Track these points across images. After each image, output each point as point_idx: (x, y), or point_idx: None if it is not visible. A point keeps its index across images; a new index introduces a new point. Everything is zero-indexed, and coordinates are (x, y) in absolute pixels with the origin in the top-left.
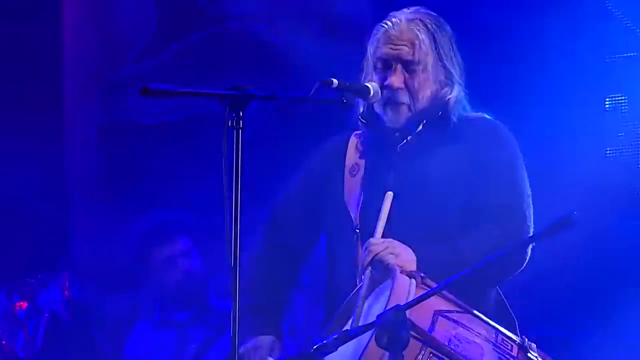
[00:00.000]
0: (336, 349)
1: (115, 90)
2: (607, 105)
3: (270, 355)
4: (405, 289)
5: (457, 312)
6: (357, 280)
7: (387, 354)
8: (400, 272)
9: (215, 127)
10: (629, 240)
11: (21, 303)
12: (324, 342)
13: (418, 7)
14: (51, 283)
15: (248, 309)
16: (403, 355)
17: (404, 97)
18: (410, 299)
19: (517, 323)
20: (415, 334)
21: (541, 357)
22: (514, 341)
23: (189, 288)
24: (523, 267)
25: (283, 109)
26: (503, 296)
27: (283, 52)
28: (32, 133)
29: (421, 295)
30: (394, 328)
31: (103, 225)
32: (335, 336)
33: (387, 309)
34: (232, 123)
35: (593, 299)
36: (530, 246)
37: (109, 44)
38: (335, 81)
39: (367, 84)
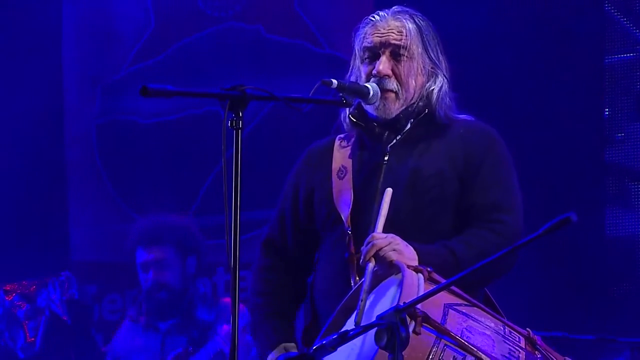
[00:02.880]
0: (336, 350)
1: (114, 90)
2: (606, 106)
3: None
4: (415, 284)
5: (466, 305)
6: (351, 280)
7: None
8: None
9: (214, 127)
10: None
11: (21, 303)
12: (323, 342)
13: (404, 6)
14: (50, 284)
15: (259, 322)
16: (403, 356)
17: (392, 84)
18: (421, 293)
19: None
20: (429, 326)
21: (544, 350)
22: (520, 333)
23: (162, 297)
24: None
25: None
26: (490, 294)
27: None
28: (32, 134)
29: (424, 294)
30: (393, 328)
31: (102, 225)
32: (335, 336)
33: (389, 307)
34: (231, 123)
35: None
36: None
37: (108, 45)
38: (334, 81)
39: (366, 84)
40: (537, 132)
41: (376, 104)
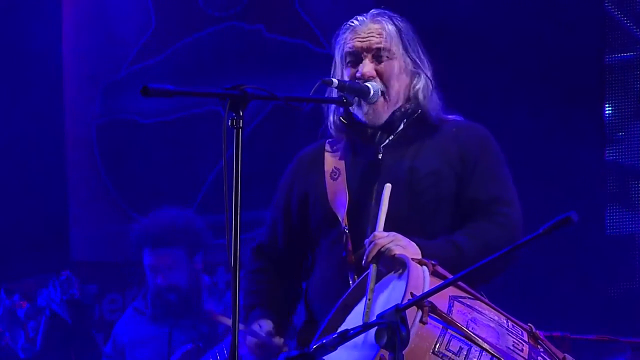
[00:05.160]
0: (336, 349)
1: (115, 90)
2: (606, 105)
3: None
4: (420, 276)
5: (470, 298)
6: (349, 279)
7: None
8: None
9: (215, 126)
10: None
11: (21, 303)
12: (324, 342)
13: (382, 9)
14: (51, 283)
15: (247, 315)
16: (403, 355)
17: (378, 85)
18: (426, 285)
19: None
20: (436, 316)
21: (546, 346)
22: (523, 328)
23: (172, 298)
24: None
25: (283, 108)
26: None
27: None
28: (32, 133)
29: (428, 291)
30: (394, 327)
31: (103, 225)
32: (335, 335)
33: (400, 300)
34: (232, 122)
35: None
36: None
37: (109, 45)
38: (335, 81)
39: (367, 83)
40: (537, 131)
41: (364, 109)
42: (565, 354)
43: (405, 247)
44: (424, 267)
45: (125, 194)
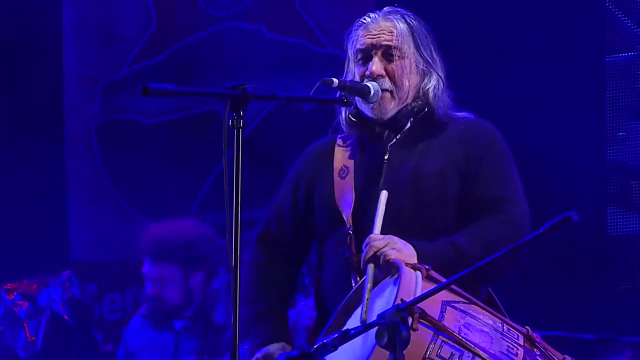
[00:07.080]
0: (336, 349)
1: (115, 90)
2: (607, 105)
3: None
4: (412, 281)
5: (463, 302)
6: (352, 280)
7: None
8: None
9: (215, 126)
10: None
11: (22, 303)
12: (324, 341)
13: (395, 7)
14: (51, 283)
15: (253, 317)
16: (404, 355)
17: (386, 84)
18: (418, 291)
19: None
20: (427, 323)
21: (543, 347)
22: (519, 331)
23: (162, 308)
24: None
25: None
26: (492, 293)
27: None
28: (32, 133)
29: (426, 293)
30: (394, 327)
31: (103, 225)
32: (336, 335)
33: (391, 305)
34: (232, 122)
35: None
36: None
37: (109, 44)
38: (335, 80)
39: (367, 83)
40: (538, 131)
41: (371, 104)
42: (565, 356)
43: (400, 250)
44: (417, 272)
45: (125, 193)
